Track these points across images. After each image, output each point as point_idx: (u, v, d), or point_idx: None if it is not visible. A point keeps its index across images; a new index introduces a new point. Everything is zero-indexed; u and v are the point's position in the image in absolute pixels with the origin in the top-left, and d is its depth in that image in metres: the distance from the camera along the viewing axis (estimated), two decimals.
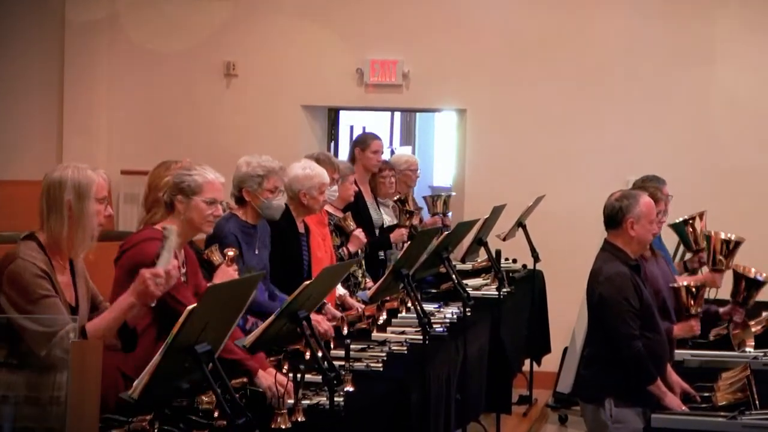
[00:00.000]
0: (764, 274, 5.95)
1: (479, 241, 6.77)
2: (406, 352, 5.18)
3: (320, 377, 3.93)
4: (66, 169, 3.75)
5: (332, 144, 9.92)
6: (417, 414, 4.79)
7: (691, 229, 6.56)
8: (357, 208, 6.78)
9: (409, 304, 5.92)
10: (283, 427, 3.81)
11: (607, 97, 8.81)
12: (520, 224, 7.52)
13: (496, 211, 7.12)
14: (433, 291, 6.85)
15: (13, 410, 3.54)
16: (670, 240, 6.77)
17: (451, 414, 5.53)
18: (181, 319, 3.17)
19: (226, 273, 4.55)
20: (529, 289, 7.76)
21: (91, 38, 9.51)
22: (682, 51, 8.69)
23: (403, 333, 5.55)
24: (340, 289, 5.89)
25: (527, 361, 7.93)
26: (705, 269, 6.41)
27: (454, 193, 8.54)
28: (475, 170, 9.09)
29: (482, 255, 7.30)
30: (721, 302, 6.12)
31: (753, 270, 5.96)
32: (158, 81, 9.49)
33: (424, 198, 8.03)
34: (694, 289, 5.20)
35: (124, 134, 9.57)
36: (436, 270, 6.06)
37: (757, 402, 4.60)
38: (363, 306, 5.81)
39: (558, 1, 8.96)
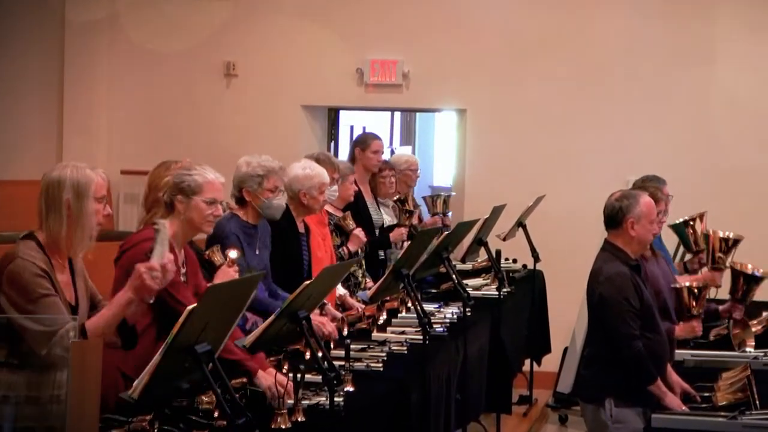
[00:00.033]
0: (761, 270, 5.97)
1: (479, 241, 6.77)
2: (406, 352, 5.17)
3: (320, 377, 3.93)
4: (65, 169, 3.75)
5: (332, 144, 9.92)
6: (417, 414, 4.79)
7: (691, 231, 6.56)
8: (357, 208, 6.78)
9: (409, 304, 5.92)
10: (283, 427, 3.81)
11: (607, 97, 8.81)
12: (520, 224, 7.52)
13: (496, 211, 7.12)
14: (433, 291, 6.85)
15: (14, 410, 3.54)
16: (669, 240, 6.77)
17: (451, 414, 5.53)
18: (181, 319, 3.17)
19: (227, 274, 4.55)
20: (529, 289, 7.76)
21: (91, 38, 9.51)
22: (682, 51, 8.69)
23: (403, 333, 5.55)
24: (340, 289, 5.88)
25: (527, 361, 7.92)
26: (705, 270, 6.41)
27: (454, 193, 8.54)
28: (475, 170, 9.09)
29: (482, 255, 7.30)
30: (721, 302, 6.13)
31: (750, 266, 5.97)
32: (158, 81, 9.49)
33: (424, 198, 8.03)
34: (696, 290, 5.20)
35: (124, 134, 9.57)
36: (436, 270, 6.06)
37: (757, 402, 4.60)
38: (363, 306, 5.80)
39: (558, 1, 8.96)
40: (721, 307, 6.03)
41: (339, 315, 5.45)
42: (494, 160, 9.00)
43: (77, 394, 3.20)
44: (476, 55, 9.01)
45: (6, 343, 3.59)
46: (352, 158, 7.29)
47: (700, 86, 8.69)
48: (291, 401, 3.93)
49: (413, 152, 13.22)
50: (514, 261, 8.04)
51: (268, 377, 4.10)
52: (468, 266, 7.57)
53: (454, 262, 5.96)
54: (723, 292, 6.21)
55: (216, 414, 3.72)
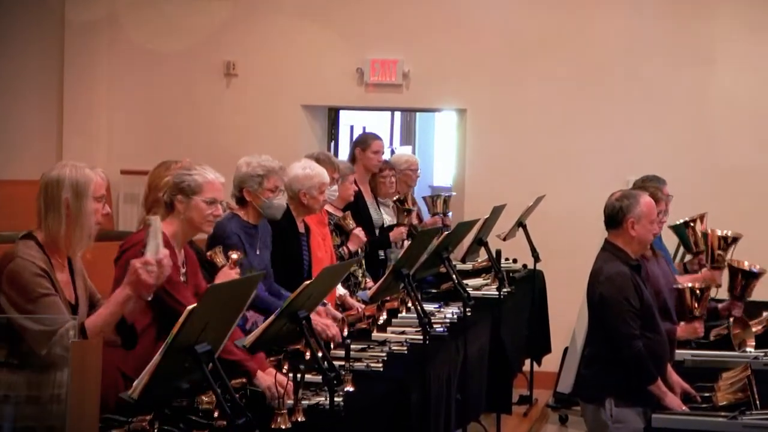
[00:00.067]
0: (758, 266, 5.98)
1: (479, 241, 6.77)
2: (406, 352, 5.17)
3: (320, 377, 3.93)
4: (64, 168, 3.74)
5: (332, 144, 9.91)
6: (417, 414, 4.79)
7: (691, 232, 6.56)
8: (357, 208, 6.78)
9: (410, 304, 5.92)
10: (283, 427, 3.81)
11: (607, 97, 8.81)
12: (521, 224, 7.51)
13: (496, 211, 7.12)
14: (434, 291, 6.85)
15: (14, 410, 3.54)
16: (669, 241, 6.77)
17: (451, 414, 5.52)
18: (181, 319, 3.16)
19: (228, 276, 4.54)
20: (529, 289, 7.76)
21: (91, 38, 9.51)
22: (682, 51, 8.69)
23: (403, 333, 5.55)
24: (340, 289, 5.88)
25: (527, 361, 7.92)
26: (705, 270, 6.40)
27: (454, 193, 8.53)
28: (475, 170, 9.08)
29: (482, 255, 7.29)
30: (720, 301, 6.13)
31: (746, 263, 5.98)
32: (158, 81, 9.49)
33: (424, 198, 8.03)
34: (698, 291, 5.20)
35: (124, 134, 9.57)
36: (436, 270, 6.06)
37: (757, 402, 4.60)
38: (363, 306, 5.80)
39: (558, 1, 8.95)
40: (720, 306, 6.04)
41: (339, 315, 5.45)
42: (494, 160, 9.00)
43: (77, 393, 3.20)
44: (476, 55, 9.01)
45: (6, 343, 3.58)
46: (353, 158, 7.29)
47: (699, 86, 8.69)
48: (291, 401, 3.93)
49: (413, 152, 13.21)
50: (515, 261, 8.04)
51: (267, 377, 4.10)
52: (468, 266, 7.57)
53: (454, 262, 5.96)
54: (722, 292, 6.22)
55: (216, 414, 3.72)
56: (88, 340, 3.55)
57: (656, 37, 8.73)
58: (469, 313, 5.65)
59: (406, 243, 6.93)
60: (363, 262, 6.51)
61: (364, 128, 11.69)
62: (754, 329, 6.01)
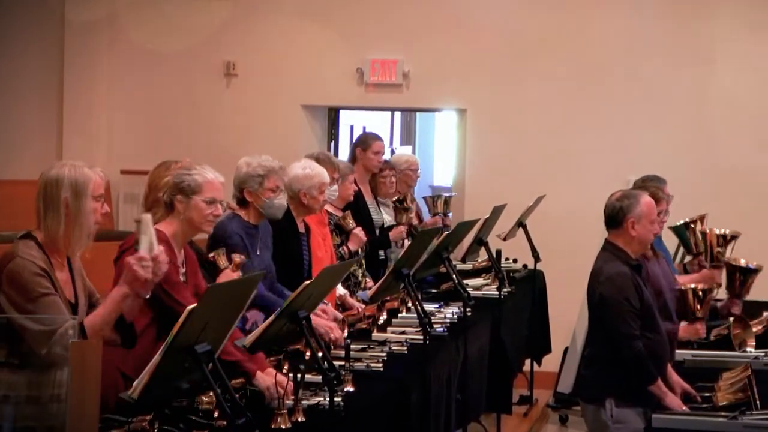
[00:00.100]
0: (755, 263, 5.98)
1: (479, 241, 6.77)
2: (406, 352, 5.17)
3: (320, 377, 3.93)
4: (63, 167, 3.74)
5: (332, 144, 9.91)
6: (417, 414, 4.78)
7: (691, 233, 6.56)
8: (357, 208, 6.78)
9: (410, 304, 5.92)
10: (283, 427, 3.81)
11: (607, 97, 8.81)
12: (521, 224, 7.51)
13: (496, 211, 7.12)
14: (434, 291, 6.85)
15: (14, 410, 3.53)
16: (669, 242, 6.76)
17: (451, 414, 5.52)
18: (181, 319, 3.16)
19: (230, 278, 4.54)
20: (529, 289, 7.76)
21: (91, 38, 9.51)
22: (682, 51, 8.69)
23: (403, 333, 5.54)
24: (340, 289, 5.88)
25: (528, 361, 7.92)
26: (705, 270, 6.40)
27: (454, 193, 8.53)
28: (475, 170, 9.08)
29: (482, 255, 7.29)
30: (719, 300, 6.13)
31: (743, 261, 5.99)
32: (158, 81, 9.49)
33: (425, 198, 8.03)
34: (701, 293, 5.20)
35: (124, 134, 9.57)
36: (436, 270, 6.06)
37: (757, 402, 4.60)
38: (363, 306, 5.80)
39: (558, 1, 8.95)
40: (719, 304, 6.04)
41: (339, 315, 5.45)
42: (494, 160, 9.00)
43: (77, 393, 3.20)
44: (476, 55, 9.01)
45: (6, 342, 3.58)
46: (353, 158, 7.28)
47: (699, 86, 8.69)
48: (291, 401, 3.93)
49: (413, 152, 13.21)
50: (515, 261, 8.04)
51: (266, 378, 4.10)
52: (468, 266, 7.56)
53: (454, 262, 5.96)
54: (722, 291, 6.21)
55: (216, 414, 3.72)
56: (87, 339, 3.55)
57: (656, 37, 8.73)
58: (469, 313, 5.65)
59: (406, 243, 6.93)
60: (363, 262, 6.51)
61: (364, 128, 11.68)
62: (754, 329, 6.00)
